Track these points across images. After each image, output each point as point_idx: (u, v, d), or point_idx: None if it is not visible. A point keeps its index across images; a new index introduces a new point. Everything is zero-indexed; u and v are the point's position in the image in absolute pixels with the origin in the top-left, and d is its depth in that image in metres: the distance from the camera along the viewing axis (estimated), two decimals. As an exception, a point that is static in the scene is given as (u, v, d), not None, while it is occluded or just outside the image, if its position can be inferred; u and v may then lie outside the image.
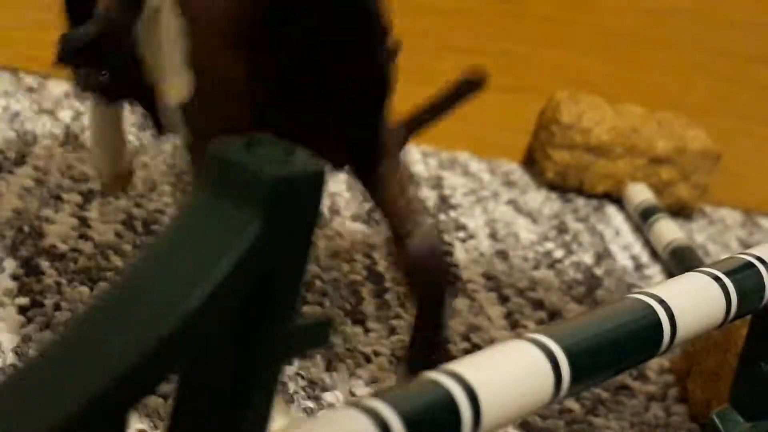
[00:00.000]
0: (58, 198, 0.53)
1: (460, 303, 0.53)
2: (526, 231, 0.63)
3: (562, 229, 0.65)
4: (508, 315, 0.53)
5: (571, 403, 0.47)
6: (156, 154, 0.61)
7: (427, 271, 0.40)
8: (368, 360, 0.47)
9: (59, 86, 0.66)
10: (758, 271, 0.33)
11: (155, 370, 0.19)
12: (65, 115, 0.63)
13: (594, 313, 0.29)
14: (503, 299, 0.55)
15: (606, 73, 0.73)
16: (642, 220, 0.66)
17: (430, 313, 0.41)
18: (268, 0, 0.38)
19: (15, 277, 0.46)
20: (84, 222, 0.52)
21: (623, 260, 0.63)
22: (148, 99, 0.43)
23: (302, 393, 0.43)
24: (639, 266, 0.63)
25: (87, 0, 0.45)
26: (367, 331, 0.49)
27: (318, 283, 0.52)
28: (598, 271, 0.60)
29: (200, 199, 0.20)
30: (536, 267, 0.59)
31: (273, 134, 0.21)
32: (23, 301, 0.45)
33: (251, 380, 0.20)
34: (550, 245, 0.62)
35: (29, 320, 0.44)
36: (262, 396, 0.21)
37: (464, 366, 0.24)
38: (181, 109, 0.39)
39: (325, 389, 0.44)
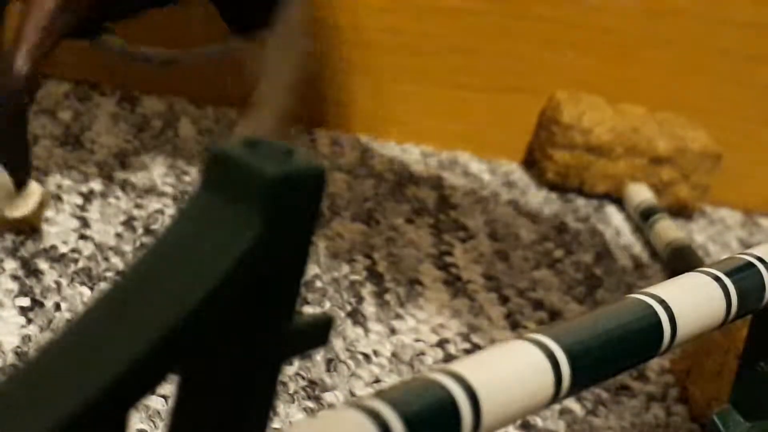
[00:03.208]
0: (58, 198, 0.53)
1: (460, 303, 0.53)
2: (526, 231, 0.63)
3: (562, 229, 0.65)
4: (509, 315, 0.53)
5: (572, 404, 0.47)
6: (156, 154, 0.61)
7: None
8: (368, 360, 0.47)
9: (59, 86, 0.66)
10: (758, 271, 0.33)
11: (154, 370, 0.19)
12: (65, 115, 0.63)
13: (594, 313, 0.29)
14: (503, 299, 0.55)
15: (606, 73, 0.73)
16: (642, 220, 0.66)
17: None
18: None
19: (15, 278, 0.46)
20: (84, 222, 0.52)
21: (623, 260, 0.63)
22: None
23: (302, 393, 0.43)
24: (639, 266, 0.63)
25: None
26: (367, 331, 0.49)
27: (318, 283, 0.52)
28: (598, 271, 0.60)
29: (200, 199, 0.20)
30: (536, 267, 0.59)
31: None
32: (23, 301, 0.45)
33: (251, 380, 0.20)
34: (550, 245, 0.62)
35: (29, 321, 0.44)
36: (262, 396, 0.21)
37: (464, 366, 0.24)
38: None
39: (325, 389, 0.44)
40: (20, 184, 0.49)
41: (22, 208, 0.49)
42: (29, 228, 0.50)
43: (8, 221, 0.49)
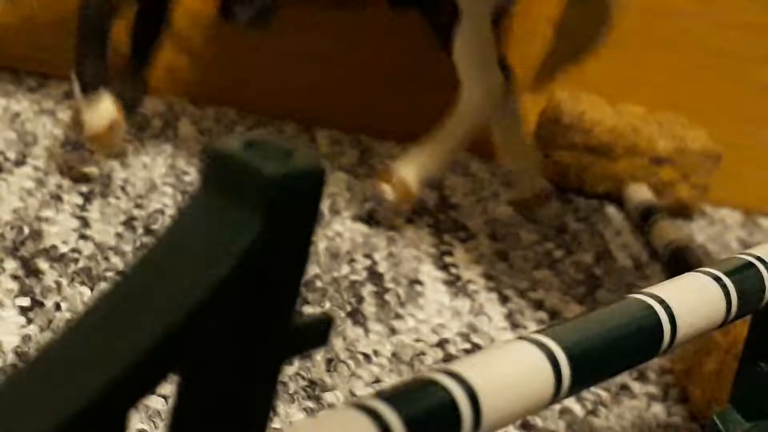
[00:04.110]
0: (58, 198, 0.53)
1: (460, 303, 0.53)
2: (526, 231, 0.63)
3: (562, 229, 0.65)
4: (509, 315, 0.53)
5: (572, 404, 0.47)
6: (156, 154, 0.61)
7: None
8: (368, 360, 0.47)
9: (59, 86, 0.66)
10: (758, 271, 0.33)
11: (155, 370, 0.19)
12: (65, 115, 0.63)
13: (594, 313, 0.29)
14: (503, 299, 0.55)
15: (606, 73, 0.73)
16: (642, 220, 0.66)
17: None
18: None
19: (15, 278, 0.46)
20: (84, 222, 0.52)
21: (623, 260, 0.63)
22: None
23: (302, 393, 0.43)
24: (639, 266, 0.63)
25: None
26: (367, 331, 0.49)
27: (318, 283, 0.52)
28: (598, 271, 0.60)
29: (200, 199, 0.20)
30: (536, 267, 0.59)
31: None
32: (24, 301, 0.45)
33: (251, 380, 0.20)
34: (550, 245, 0.62)
35: (29, 321, 0.44)
36: (262, 396, 0.21)
37: (464, 366, 0.24)
38: None
39: (325, 389, 0.44)
40: (89, 94, 0.54)
41: (94, 125, 0.55)
42: (106, 150, 0.56)
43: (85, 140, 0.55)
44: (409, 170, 0.58)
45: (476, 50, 0.58)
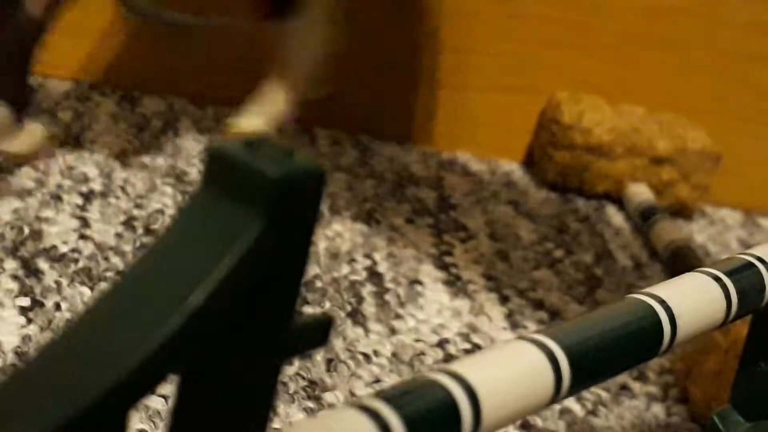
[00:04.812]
0: (58, 198, 0.53)
1: (460, 303, 0.53)
2: (526, 231, 0.63)
3: (562, 229, 0.65)
4: (509, 315, 0.53)
5: (572, 404, 0.47)
6: (156, 154, 0.61)
7: None
8: (368, 360, 0.47)
9: (59, 86, 0.66)
10: (758, 271, 0.33)
11: (155, 370, 0.19)
12: (65, 115, 0.63)
13: (594, 313, 0.29)
14: (503, 299, 0.55)
15: (606, 73, 0.73)
16: (642, 220, 0.66)
17: None
18: None
19: (15, 278, 0.46)
20: (84, 222, 0.52)
21: (623, 260, 0.63)
22: None
23: (302, 393, 0.43)
24: (639, 266, 0.63)
25: None
26: (367, 331, 0.49)
27: (318, 283, 0.52)
28: (598, 271, 0.60)
29: (201, 199, 0.20)
30: (536, 267, 0.59)
31: None
32: (24, 301, 0.45)
33: (251, 380, 0.20)
34: (550, 245, 0.62)
35: (29, 321, 0.44)
36: (262, 396, 0.21)
37: (464, 366, 0.24)
38: None
39: (325, 389, 0.44)
40: (19, 120, 0.52)
41: (18, 145, 0.53)
42: (22, 162, 0.54)
43: (4, 153, 0.54)
44: (264, 111, 0.60)
45: None
